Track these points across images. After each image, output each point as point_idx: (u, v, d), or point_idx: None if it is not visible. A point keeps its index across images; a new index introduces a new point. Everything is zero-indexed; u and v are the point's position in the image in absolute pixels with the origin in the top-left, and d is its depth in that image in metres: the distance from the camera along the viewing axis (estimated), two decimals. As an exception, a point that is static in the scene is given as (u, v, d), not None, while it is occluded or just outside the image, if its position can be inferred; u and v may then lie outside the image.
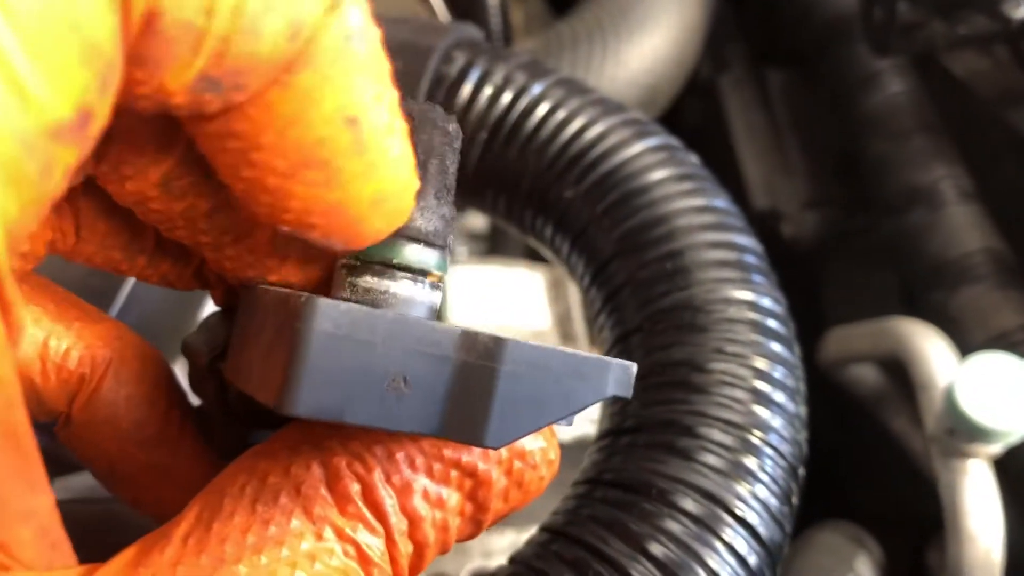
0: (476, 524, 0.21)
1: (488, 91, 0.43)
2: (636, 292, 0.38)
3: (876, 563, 0.51)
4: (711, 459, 0.32)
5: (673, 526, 0.30)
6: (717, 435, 0.32)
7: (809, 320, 0.74)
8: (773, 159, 0.78)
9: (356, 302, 0.20)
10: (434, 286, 0.21)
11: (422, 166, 0.20)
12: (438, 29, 0.45)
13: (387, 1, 0.71)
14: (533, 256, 0.70)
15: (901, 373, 0.57)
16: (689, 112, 0.85)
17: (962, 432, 0.44)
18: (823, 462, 0.69)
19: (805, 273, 0.77)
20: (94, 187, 0.22)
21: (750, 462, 0.32)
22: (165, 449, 0.24)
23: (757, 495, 0.32)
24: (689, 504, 0.31)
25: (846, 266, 0.77)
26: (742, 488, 0.32)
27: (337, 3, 0.17)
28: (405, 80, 0.43)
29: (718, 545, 0.31)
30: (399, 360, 0.18)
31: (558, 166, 0.41)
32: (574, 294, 0.66)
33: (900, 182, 0.66)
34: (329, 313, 0.18)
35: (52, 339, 0.23)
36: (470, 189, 0.45)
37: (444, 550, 0.21)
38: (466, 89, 0.43)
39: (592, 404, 0.20)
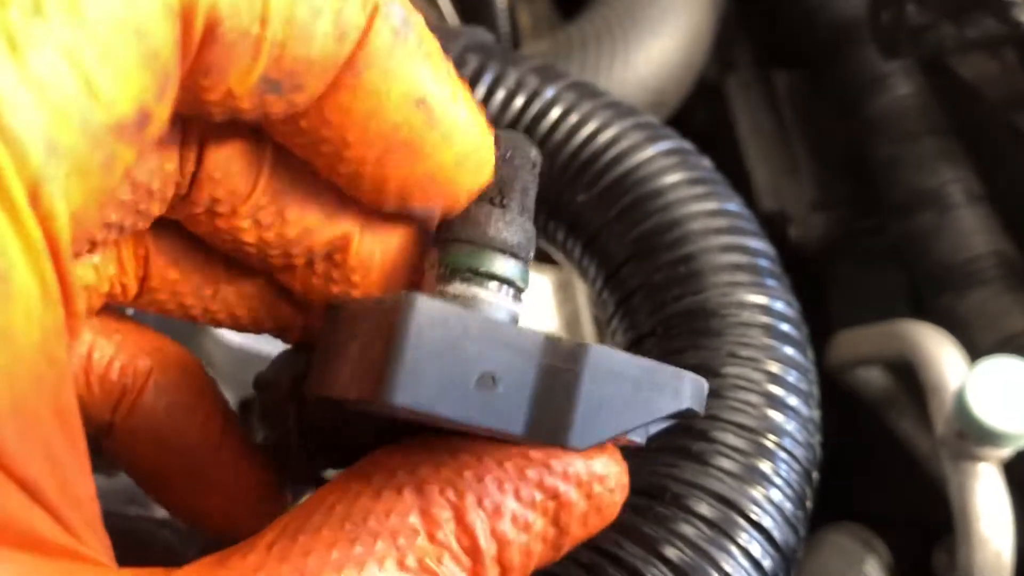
0: (556, 549, 0.22)
1: (501, 94, 0.43)
2: (650, 296, 0.38)
3: (885, 565, 0.51)
4: (725, 463, 0.32)
5: (688, 530, 0.30)
6: (731, 439, 0.33)
7: (817, 322, 0.74)
8: (780, 161, 0.78)
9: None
10: (516, 296, 0.22)
11: (509, 186, 0.22)
12: (450, 33, 0.45)
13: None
14: (541, 258, 0.70)
15: (908, 376, 0.58)
16: (696, 114, 0.85)
17: (972, 435, 0.44)
18: (831, 464, 0.70)
19: (813, 275, 0.77)
20: (166, 235, 0.23)
21: (764, 466, 0.32)
22: (206, 456, 0.25)
23: (772, 499, 0.32)
24: (704, 508, 0.31)
25: (854, 268, 0.77)
26: (757, 492, 0.32)
27: (378, 5, 0.19)
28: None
29: (733, 549, 0.31)
30: (489, 358, 0.19)
31: (571, 169, 0.42)
32: (582, 296, 0.66)
33: (908, 184, 0.66)
34: (427, 308, 0.19)
35: (95, 351, 0.24)
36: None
37: None
38: (479, 92, 0.43)
39: (670, 415, 0.21)
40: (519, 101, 0.43)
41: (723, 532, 0.31)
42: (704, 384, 0.22)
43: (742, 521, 0.31)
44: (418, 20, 0.20)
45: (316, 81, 0.19)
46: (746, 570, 0.31)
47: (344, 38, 0.18)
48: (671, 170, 0.40)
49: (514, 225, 0.22)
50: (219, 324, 0.25)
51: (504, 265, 0.22)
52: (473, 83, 0.43)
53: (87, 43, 0.15)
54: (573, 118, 0.42)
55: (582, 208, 0.41)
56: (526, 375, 0.19)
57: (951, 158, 0.66)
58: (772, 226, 0.78)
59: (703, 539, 0.30)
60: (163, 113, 0.18)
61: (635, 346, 0.37)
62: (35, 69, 0.15)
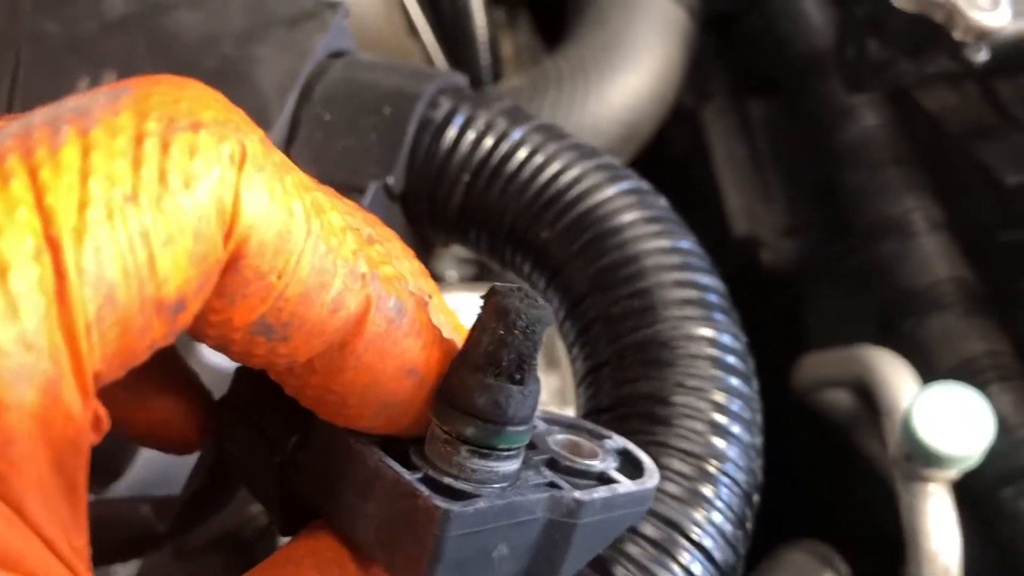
0: None
1: (471, 135, 0.45)
2: (607, 327, 0.40)
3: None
4: (670, 487, 0.34)
5: (633, 549, 0.33)
6: (676, 464, 0.35)
7: (790, 346, 0.77)
8: (753, 187, 0.81)
9: (464, 479, 0.23)
10: (519, 453, 0.24)
11: (528, 362, 0.23)
12: (425, 75, 0.47)
13: (381, 38, 0.74)
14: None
15: (872, 398, 0.60)
16: (673, 140, 0.88)
17: (919, 458, 0.46)
18: (800, 484, 0.72)
19: (786, 299, 0.80)
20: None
21: (707, 490, 0.35)
22: (146, 376, 0.28)
23: (713, 521, 0.34)
24: (648, 529, 0.33)
25: (826, 293, 0.79)
26: (698, 514, 0.34)
27: (372, 300, 0.23)
28: (393, 125, 0.46)
29: (675, 568, 0.33)
30: (505, 533, 0.22)
31: (535, 207, 0.44)
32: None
33: (873, 212, 0.68)
34: (463, 519, 0.21)
35: None
36: (455, 227, 0.47)
37: None
38: (450, 133, 0.46)
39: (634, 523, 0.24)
40: (488, 142, 0.45)
41: (666, 552, 0.33)
42: (657, 481, 0.25)
43: (684, 541, 0.33)
44: (411, 306, 0.24)
45: (301, 340, 0.22)
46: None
47: (336, 312, 0.22)
48: (629, 209, 0.43)
49: (530, 398, 0.23)
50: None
51: (519, 438, 0.23)
52: (445, 124, 0.46)
53: (161, 230, 0.19)
54: (539, 159, 0.44)
55: (546, 244, 0.44)
56: (531, 534, 0.22)
57: (914, 187, 0.68)
58: (744, 250, 0.81)
59: (647, 558, 0.33)
60: (195, 307, 0.21)
61: (592, 374, 0.40)
62: (120, 236, 0.19)
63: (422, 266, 0.28)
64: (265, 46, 0.47)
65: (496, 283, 0.23)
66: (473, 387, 0.23)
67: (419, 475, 0.22)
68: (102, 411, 0.21)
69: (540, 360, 0.24)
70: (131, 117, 0.20)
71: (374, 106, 0.46)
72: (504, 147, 0.45)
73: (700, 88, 0.88)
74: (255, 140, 0.21)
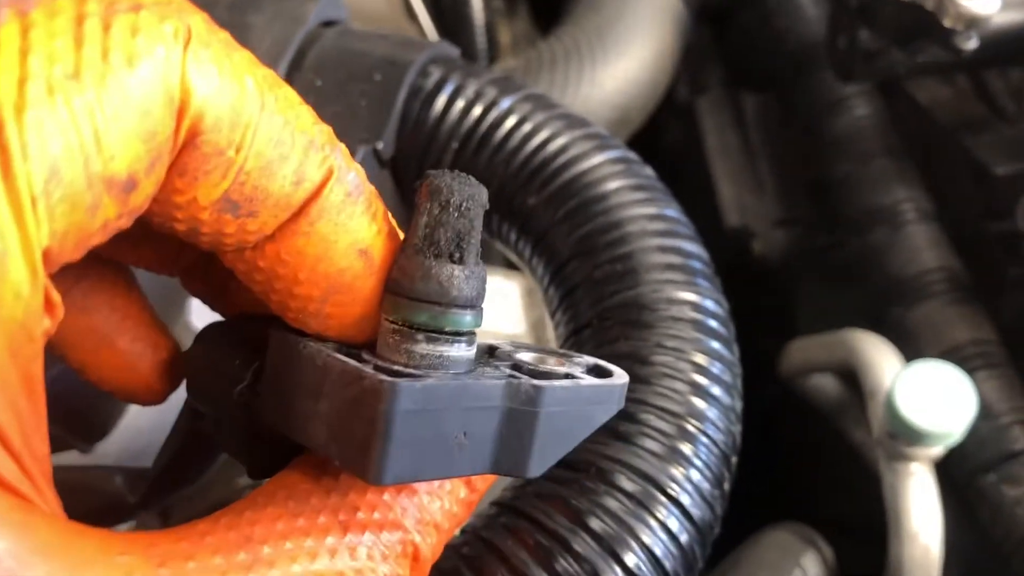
0: (469, 508, 0.25)
1: (460, 104, 0.46)
2: (589, 291, 0.40)
3: (826, 563, 0.53)
4: (649, 443, 0.34)
5: (611, 503, 0.33)
6: (656, 422, 0.35)
7: (782, 335, 0.77)
8: (746, 179, 0.81)
9: (414, 367, 0.23)
10: (471, 341, 0.24)
11: (466, 240, 0.23)
12: (416, 45, 0.48)
13: (380, 19, 0.74)
14: (510, 265, 0.73)
15: (858, 384, 0.60)
16: (670, 131, 0.88)
17: (902, 435, 0.46)
18: (786, 469, 0.72)
19: (777, 289, 0.80)
20: None
21: (685, 448, 0.35)
22: (113, 324, 0.28)
23: (691, 478, 0.34)
24: (627, 483, 0.33)
25: (816, 283, 0.79)
26: (677, 471, 0.34)
27: (334, 170, 0.23)
28: (384, 91, 0.46)
29: (652, 523, 0.33)
30: (461, 419, 0.22)
31: (523, 175, 0.44)
32: (548, 302, 0.68)
33: (864, 202, 0.69)
34: (410, 393, 0.21)
35: None
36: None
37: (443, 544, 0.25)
38: (440, 101, 0.46)
39: (605, 421, 0.23)
40: (477, 110, 0.45)
41: (643, 506, 0.33)
42: (627, 382, 0.24)
43: (662, 497, 0.34)
44: (370, 189, 0.24)
45: (268, 213, 0.22)
46: (663, 543, 0.33)
47: (300, 184, 0.22)
48: (615, 177, 0.43)
49: (472, 279, 0.23)
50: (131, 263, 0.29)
51: (466, 320, 0.23)
52: (435, 92, 0.46)
53: (105, 106, 0.20)
54: (527, 127, 0.45)
55: (532, 210, 0.44)
56: (491, 422, 0.22)
57: (904, 178, 0.69)
58: (736, 241, 0.81)
59: (625, 512, 0.33)
60: (147, 187, 0.21)
61: (574, 336, 0.40)
62: (62, 112, 0.19)
63: None
64: (258, 14, 0.47)
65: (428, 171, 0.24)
66: (414, 271, 0.23)
67: (368, 365, 0.22)
68: (55, 296, 0.20)
69: (529, 337, 0.24)
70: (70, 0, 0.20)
71: (365, 73, 0.46)
72: (492, 115, 0.45)
73: (696, 80, 0.89)
74: (199, 20, 0.21)
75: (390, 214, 0.25)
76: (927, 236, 0.66)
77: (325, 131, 0.23)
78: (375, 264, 0.24)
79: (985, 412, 0.56)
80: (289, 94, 0.23)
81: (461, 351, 0.23)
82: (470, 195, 0.23)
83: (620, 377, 0.24)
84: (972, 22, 0.56)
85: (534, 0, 0.89)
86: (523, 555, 0.31)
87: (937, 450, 0.47)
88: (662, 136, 0.86)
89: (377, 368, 0.22)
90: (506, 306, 0.67)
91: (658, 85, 0.69)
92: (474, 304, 0.23)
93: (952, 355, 0.60)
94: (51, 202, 0.19)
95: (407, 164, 0.47)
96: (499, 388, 0.22)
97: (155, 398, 0.31)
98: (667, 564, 0.33)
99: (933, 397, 0.46)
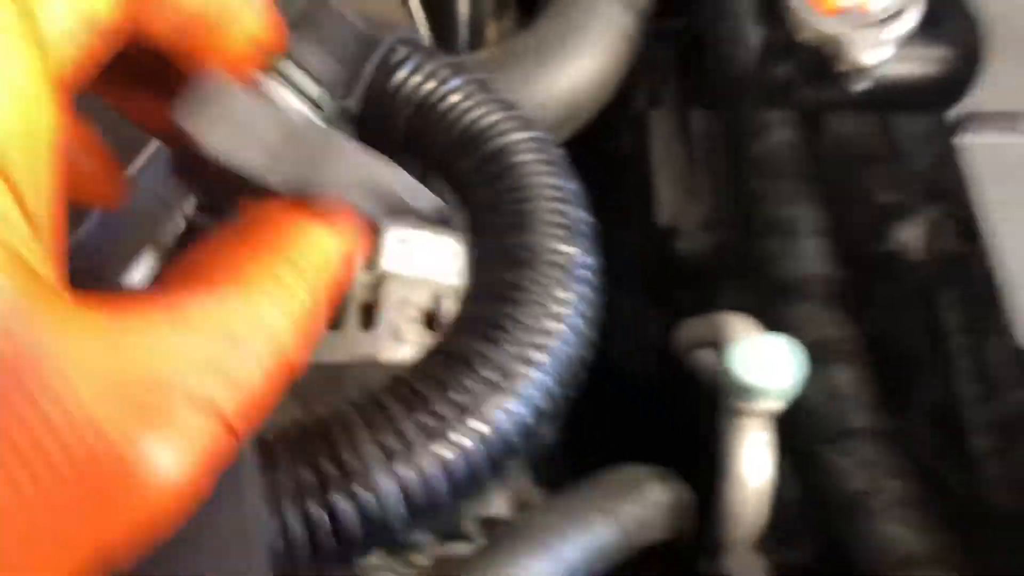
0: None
1: (417, 78, 0.56)
2: (492, 237, 0.51)
3: (678, 496, 0.64)
4: (511, 348, 0.45)
5: (469, 382, 0.44)
6: (519, 332, 0.46)
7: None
8: (683, 186, 0.92)
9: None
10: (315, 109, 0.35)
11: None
12: (387, 26, 0.59)
13: (376, 7, 0.85)
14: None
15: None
16: (623, 139, 1.00)
17: (734, 392, 0.57)
18: (675, 447, 0.83)
19: (699, 283, 0.91)
20: None
21: (538, 355, 0.46)
22: None
23: (538, 377, 0.45)
24: (488, 372, 0.44)
25: (732, 280, 0.90)
26: (529, 369, 0.45)
27: None
28: (354, 62, 0.56)
29: (506, 402, 0.44)
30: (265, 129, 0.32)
31: (460, 143, 0.55)
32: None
33: (768, 214, 0.80)
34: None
35: None
36: (400, 152, 0.59)
37: None
38: (400, 74, 0.56)
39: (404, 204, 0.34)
40: (430, 85, 0.56)
41: (499, 388, 0.44)
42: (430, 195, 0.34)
43: (515, 385, 0.44)
44: None
45: None
46: (510, 419, 0.44)
47: None
48: (530, 151, 0.54)
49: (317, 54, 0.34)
50: None
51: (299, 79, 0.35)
52: (396, 66, 0.57)
53: None
54: (467, 103, 0.55)
55: (464, 172, 0.55)
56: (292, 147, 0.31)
57: (807, 197, 0.79)
58: (666, 239, 0.92)
59: (482, 391, 0.44)
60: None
61: (472, 270, 0.51)
62: None
63: None
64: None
65: None
66: None
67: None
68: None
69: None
70: None
71: (343, 41, 0.57)
72: (441, 90, 0.56)
73: (653, 95, 1.00)
74: None
75: None
76: (816, 248, 0.77)
77: None
78: None
79: (832, 394, 0.67)
80: None
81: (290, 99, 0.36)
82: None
83: None
84: (861, 70, 0.67)
85: (522, 3, 1.00)
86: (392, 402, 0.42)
87: (767, 405, 0.58)
88: (615, 141, 0.97)
89: None
90: (454, 262, 0.78)
91: (605, 90, 0.80)
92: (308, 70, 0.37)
93: (817, 347, 0.71)
94: None
95: (371, 122, 0.58)
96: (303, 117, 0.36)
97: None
98: (509, 433, 0.44)
99: (762, 360, 0.56)
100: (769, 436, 0.60)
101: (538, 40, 0.77)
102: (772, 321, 0.74)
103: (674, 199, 0.91)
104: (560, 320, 0.47)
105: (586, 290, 0.49)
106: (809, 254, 0.76)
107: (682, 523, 0.63)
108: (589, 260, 0.51)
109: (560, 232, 0.51)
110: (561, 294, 0.48)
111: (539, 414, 0.45)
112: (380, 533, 0.42)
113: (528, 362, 0.45)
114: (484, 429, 0.43)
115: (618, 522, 0.56)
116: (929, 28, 0.67)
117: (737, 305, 0.88)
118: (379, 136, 0.58)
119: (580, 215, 0.52)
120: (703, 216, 0.90)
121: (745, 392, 0.56)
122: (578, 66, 0.76)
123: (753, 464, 0.59)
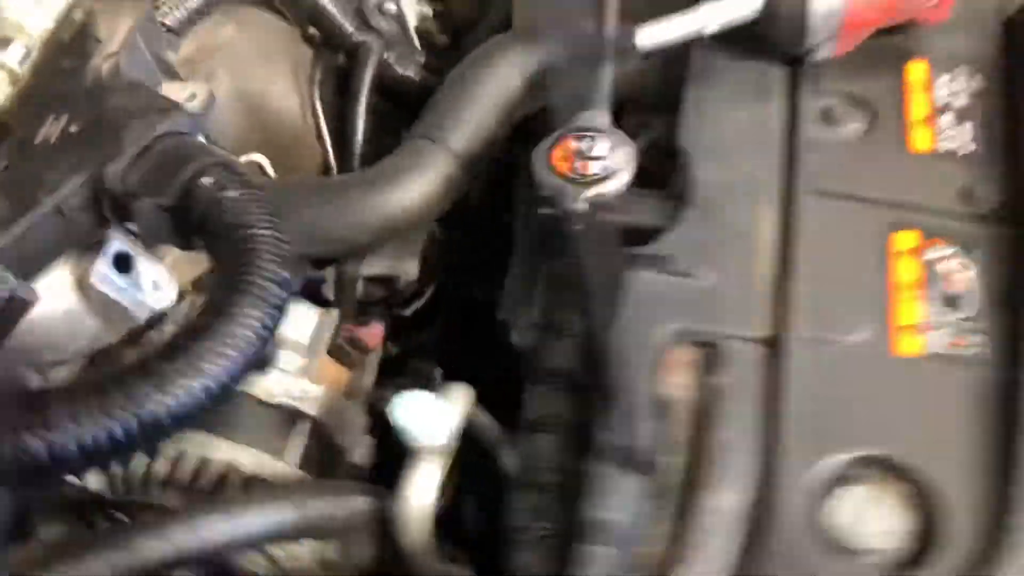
0: None
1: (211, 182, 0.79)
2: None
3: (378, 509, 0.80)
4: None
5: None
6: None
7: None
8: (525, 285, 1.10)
9: None
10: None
11: None
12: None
13: (296, 134, 1.12)
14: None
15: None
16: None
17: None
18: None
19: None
20: None
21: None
22: None
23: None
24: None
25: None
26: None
27: None
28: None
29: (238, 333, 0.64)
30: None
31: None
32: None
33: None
34: None
35: None
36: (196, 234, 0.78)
37: None
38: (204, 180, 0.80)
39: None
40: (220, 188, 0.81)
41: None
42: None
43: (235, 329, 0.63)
44: None
45: None
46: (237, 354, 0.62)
47: None
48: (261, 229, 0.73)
49: None
50: None
51: None
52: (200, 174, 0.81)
53: None
54: (233, 202, 0.76)
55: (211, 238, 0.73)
56: None
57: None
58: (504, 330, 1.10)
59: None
60: None
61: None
62: None
63: None
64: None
65: None
66: None
67: None
68: None
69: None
70: None
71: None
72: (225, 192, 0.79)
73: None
74: None
75: None
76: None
77: None
78: None
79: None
80: None
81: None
82: None
83: None
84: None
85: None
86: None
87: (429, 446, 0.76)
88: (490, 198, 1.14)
89: None
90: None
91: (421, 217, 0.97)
92: None
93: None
94: None
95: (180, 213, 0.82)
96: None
97: None
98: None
99: (417, 413, 0.75)
100: (437, 468, 0.78)
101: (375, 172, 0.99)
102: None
103: (514, 295, 1.01)
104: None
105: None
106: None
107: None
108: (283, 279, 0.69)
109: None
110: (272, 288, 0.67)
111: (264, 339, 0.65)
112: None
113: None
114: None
115: (299, 507, 0.76)
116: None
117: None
118: (184, 225, 0.81)
119: (274, 266, 0.70)
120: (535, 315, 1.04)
121: (404, 436, 0.76)
122: (399, 196, 0.97)
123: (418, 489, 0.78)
